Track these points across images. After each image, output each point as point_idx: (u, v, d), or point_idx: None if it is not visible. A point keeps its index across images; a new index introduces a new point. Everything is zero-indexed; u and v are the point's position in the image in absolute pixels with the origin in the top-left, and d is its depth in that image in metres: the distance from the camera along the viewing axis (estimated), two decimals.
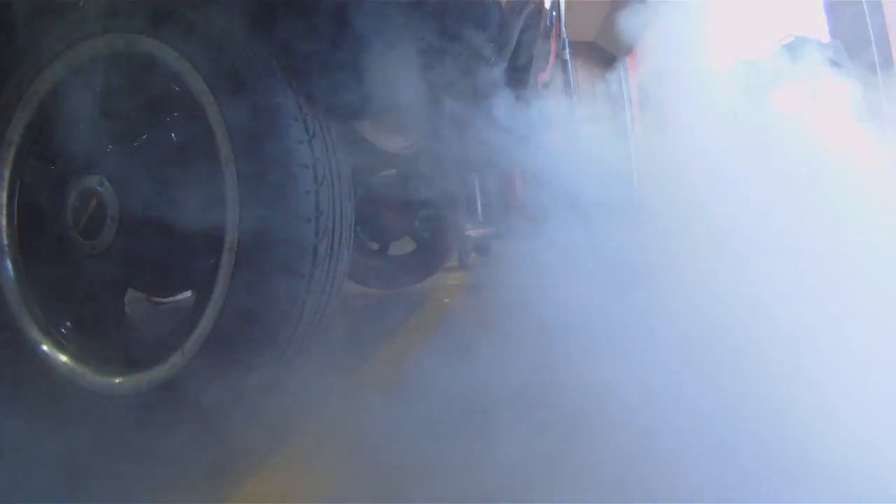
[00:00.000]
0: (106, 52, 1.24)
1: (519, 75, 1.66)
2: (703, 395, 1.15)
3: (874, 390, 1.03)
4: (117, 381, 1.19)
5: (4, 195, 1.33)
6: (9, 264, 1.32)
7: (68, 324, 1.32)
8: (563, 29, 2.56)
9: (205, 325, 1.12)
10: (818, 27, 8.70)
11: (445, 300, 3.29)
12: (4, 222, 1.33)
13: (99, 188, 1.22)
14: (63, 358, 1.26)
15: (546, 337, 1.78)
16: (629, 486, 0.95)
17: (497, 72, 1.37)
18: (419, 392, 1.50)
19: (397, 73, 1.21)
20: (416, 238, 3.58)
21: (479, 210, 5.68)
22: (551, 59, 2.19)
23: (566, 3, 2.49)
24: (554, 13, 2.01)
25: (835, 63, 6.15)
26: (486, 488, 0.97)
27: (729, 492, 0.88)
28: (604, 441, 1.08)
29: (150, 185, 1.22)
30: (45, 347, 1.27)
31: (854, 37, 7.13)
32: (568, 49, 5.71)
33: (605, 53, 14.63)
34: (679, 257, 1.88)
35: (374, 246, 3.61)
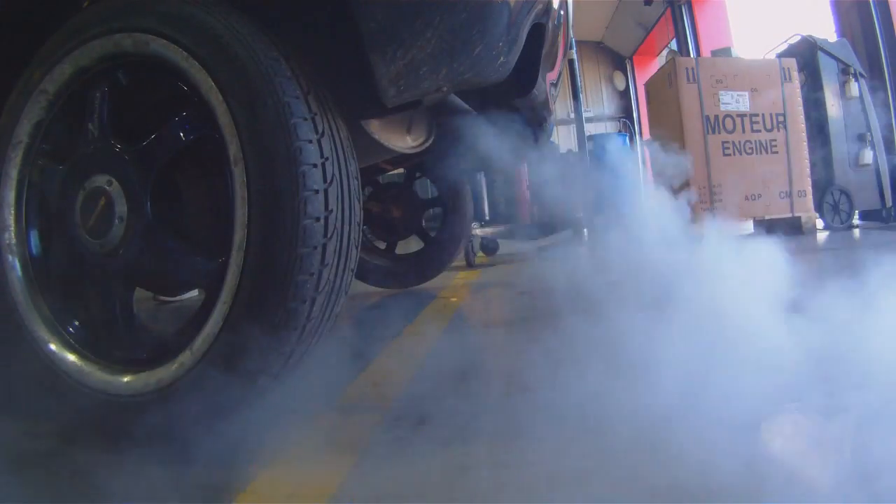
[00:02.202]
0: (114, 51, 1.24)
1: (527, 75, 1.65)
2: None
3: None
4: (125, 380, 1.19)
5: (12, 194, 1.33)
6: (17, 263, 1.32)
7: (76, 322, 1.32)
8: (571, 29, 2.56)
9: (213, 324, 1.12)
10: (825, 26, 8.69)
11: (452, 299, 3.29)
12: (12, 221, 1.33)
13: (107, 187, 1.22)
14: (71, 357, 1.26)
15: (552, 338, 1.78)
16: None
17: (505, 72, 1.36)
18: (423, 397, 1.50)
19: (405, 73, 1.21)
20: (422, 237, 3.58)
21: (487, 210, 5.69)
22: (559, 58, 2.18)
23: (573, 3, 2.48)
24: (562, 13, 2.01)
25: (842, 62, 6.15)
26: None
27: None
28: None
29: (159, 185, 1.22)
30: (52, 346, 1.27)
31: (861, 35, 7.11)
32: (575, 49, 5.72)
33: (612, 53, 14.65)
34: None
35: (382, 245, 3.62)
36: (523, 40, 1.40)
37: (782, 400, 1.23)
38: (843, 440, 1.09)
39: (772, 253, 1.87)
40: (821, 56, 6.31)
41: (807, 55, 6.40)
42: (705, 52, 9.86)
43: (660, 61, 13.43)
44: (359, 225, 1.23)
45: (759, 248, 1.92)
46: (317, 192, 1.09)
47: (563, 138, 12.99)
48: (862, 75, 6.39)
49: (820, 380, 1.28)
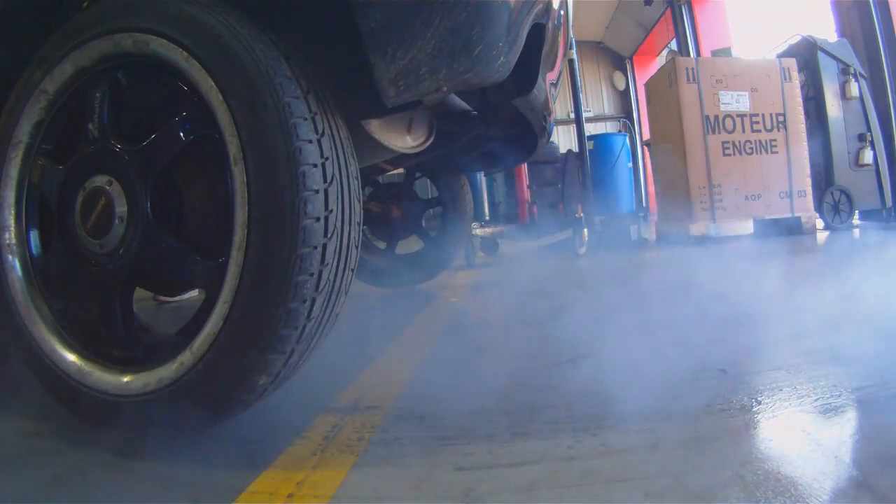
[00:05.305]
0: (114, 51, 1.24)
1: (527, 75, 1.65)
2: None
3: None
4: (125, 379, 1.19)
5: (12, 194, 1.34)
6: (17, 263, 1.32)
7: (76, 322, 1.32)
8: (571, 29, 2.56)
9: (213, 324, 1.12)
10: (825, 26, 8.70)
11: (452, 299, 3.29)
12: (12, 221, 1.33)
13: (107, 188, 1.22)
14: (71, 357, 1.26)
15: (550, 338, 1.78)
16: None
17: (505, 72, 1.36)
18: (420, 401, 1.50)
19: (405, 73, 1.20)
20: (422, 237, 3.58)
21: (487, 210, 5.69)
22: (559, 58, 2.18)
23: (573, 3, 2.48)
24: (562, 13, 2.01)
25: (842, 62, 6.15)
26: None
27: None
28: None
29: (158, 185, 1.22)
30: (52, 346, 1.27)
31: (861, 35, 7.12)
32: (575, 49, 5.72)
33: (612, 53, 14.66)
34: None
35: (382, 245, 3.62)
36: (523, 40, 1.40)
37: None
38: None
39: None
40: (821, 56, 6.32)
41: (807, 55, 6.41)
42: (705, 52, 9.88)
43: (660, 61, 13.45)
44: (359, 225, 1.23)
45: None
46: (317, 191, 1.09)
47: (562, 138, 13.00)
48: (862, 75, 6.39)
49: None
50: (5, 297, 1.31)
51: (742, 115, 5.75)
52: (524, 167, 6.14)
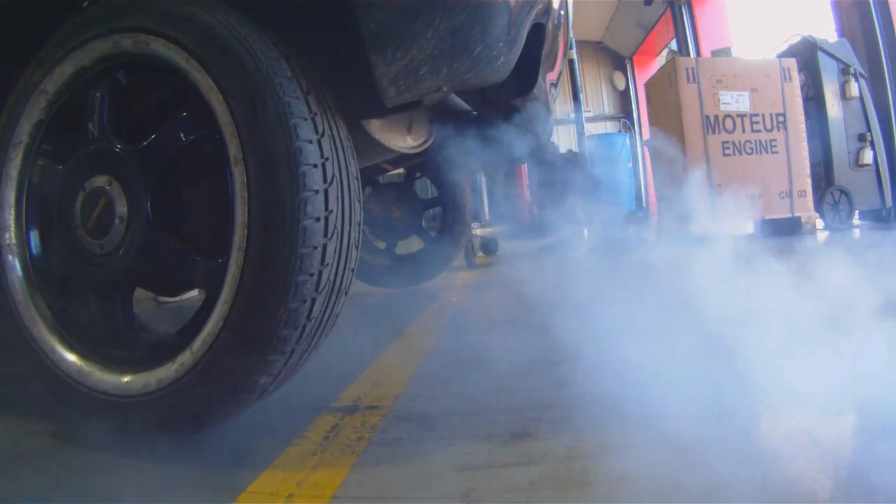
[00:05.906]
0: (114, 51, 1.24)
1: (527, 75, 1.65)
2: None
3: None
4: (125, 380, 1.19)
5: (12, 195, 1.34)
6: (17, 263, 1.32)
7: (76, 322, 1.32)
8: (571, 29, 2.56)
9: (213, 324, 1.12)
10: (825, 26, 8.69)
11: (453, 299, 3.29)
12: (12, 221, 1.33)
13: (107, 188, 1.22)
14: (71, 357, 1.26)
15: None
16: None
17: (505, 72, 1.36)
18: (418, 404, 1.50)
19: (405, 74, 1.20)
20: (422, 237, 3.58)
21: (487, 210, 5.68)
22: (559, 58, 2.18)
23: (573, 3, 2.48)
24: (562, 13, 2.01)
25: (842, 62, 6.15)
26: None
27: None
28: None
29: (159, 185, 1.22)
30: (52, 346, 1.27)
31: (861, 35, 7.11)
32: (575, 49, 5.71)
33: (612, 53, 14.65)
34: None
35: (382, 245, 3.61)
36: (523, 40, 1.41)
37: None
38: None
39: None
40: (821, 56, 6.32)
41: (807, 55, 6.41)
42: (705, 52, 9.86)
43: (660, 61, 13.43)
44: (359, 225, 1.23)
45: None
46: (317, 192, 1.09)
47: (563, 138, 13.00)
48: (862, 75, 6.39)
49: None
50: (5, 297, 1.31)
51: (742, 115, 5.75)
52: (524, 167, 6.14)
